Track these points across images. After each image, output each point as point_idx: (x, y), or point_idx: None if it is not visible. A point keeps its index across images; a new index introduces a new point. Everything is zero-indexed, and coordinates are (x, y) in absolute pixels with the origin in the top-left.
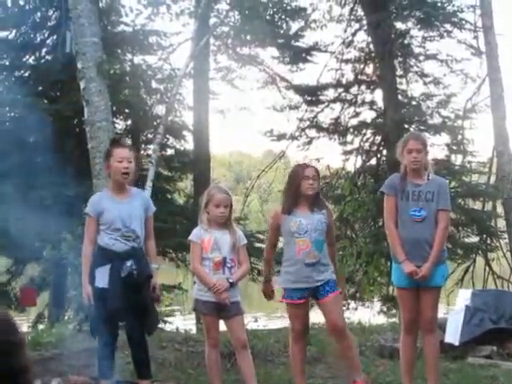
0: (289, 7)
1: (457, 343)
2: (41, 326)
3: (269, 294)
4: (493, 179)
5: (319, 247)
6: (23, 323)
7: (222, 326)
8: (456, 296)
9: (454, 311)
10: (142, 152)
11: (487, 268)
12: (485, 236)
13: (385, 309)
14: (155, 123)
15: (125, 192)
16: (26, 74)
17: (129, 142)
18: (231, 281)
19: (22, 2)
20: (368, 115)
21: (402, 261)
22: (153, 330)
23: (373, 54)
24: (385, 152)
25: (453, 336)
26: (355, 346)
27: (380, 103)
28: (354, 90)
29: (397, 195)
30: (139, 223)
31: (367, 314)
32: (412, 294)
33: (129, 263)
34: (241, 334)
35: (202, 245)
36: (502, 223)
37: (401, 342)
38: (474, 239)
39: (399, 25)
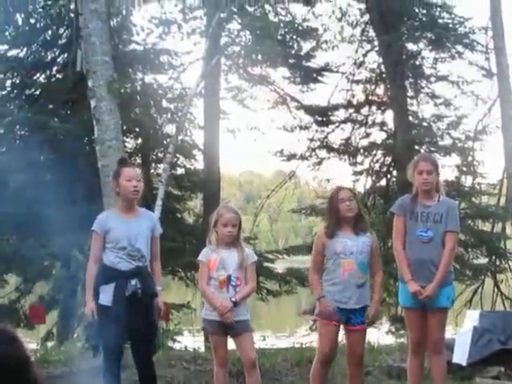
0: (300, 27)
1: (464, 364)
2: (50, 344)
3: (330, 309)
4: (502, 201)
5: (364, 269)
6: (32, 341)
7: (232, 344)
8: (464, 317)
9: (461, 332)
10: (152, 171)
11: (496, 289)
12: (494, 257)
13: (393, 329)
14: (165, 142)
15: (132, 211)
16: (37, 92)
17: (139, 160)
18: (234, 300)
19: (33, 21)
20: (378, 136)
21: (408, 281)
22: (157, 349)
23: (384, 75)
24: (395, 173)
25: (460, 356)
26: (364, 378)
27: (390, 124)
28: (364, 110)
29: (406, 215)
30: (145, 243)
31: (376, 334)
32: (418, 315)
33: (133, 282)
34: (250, 352)
35: (208, 264)
36: (511, 245)
37: (408, 362)
38: (483, 260)
39: (410, 46)
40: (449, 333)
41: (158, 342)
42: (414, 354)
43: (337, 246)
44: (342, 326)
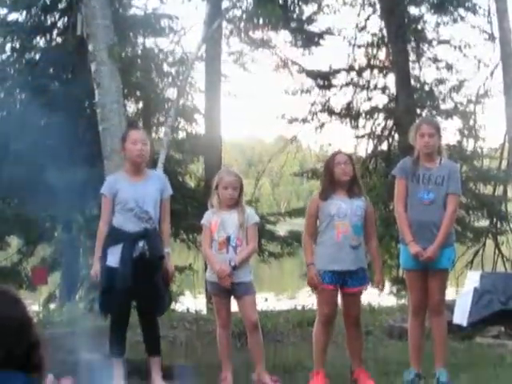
0: None
1: (465, 324)
2: (52, 306)
3: (316, 280)
4: (504, 164)
5: (358, 232)
6: (35, 303)
7: (235, 306)
8: (465, 278)
9: (462, 293)
10: (154, 135)
11: (497, 251)
12: (495, 220)
13: (394, 291)
14: (166, 106)
15: (141, 174)
16: (37, 57)
17: (140, 124)
18: (233, 264)
19: None
20: (380, 100)
21: (409, 242)
22: (163, 310)
23: (386, 39)
24: (396, 137)
25: (461, 317)
26: (363, 337)
27: (392, 88)
28: (366, 74)
29: (408, 178)
30: (153, 205)
31: (377, 295)
32: (419, 276)
33: (141, 244)
34: (251, 313)
35: (210, 227)
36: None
37: (409, 323)
38: (484, 223)
39: (413, 10)
40: (450, 294)
41: (165, 303)
42: (415, 315)
43: (331, 208)
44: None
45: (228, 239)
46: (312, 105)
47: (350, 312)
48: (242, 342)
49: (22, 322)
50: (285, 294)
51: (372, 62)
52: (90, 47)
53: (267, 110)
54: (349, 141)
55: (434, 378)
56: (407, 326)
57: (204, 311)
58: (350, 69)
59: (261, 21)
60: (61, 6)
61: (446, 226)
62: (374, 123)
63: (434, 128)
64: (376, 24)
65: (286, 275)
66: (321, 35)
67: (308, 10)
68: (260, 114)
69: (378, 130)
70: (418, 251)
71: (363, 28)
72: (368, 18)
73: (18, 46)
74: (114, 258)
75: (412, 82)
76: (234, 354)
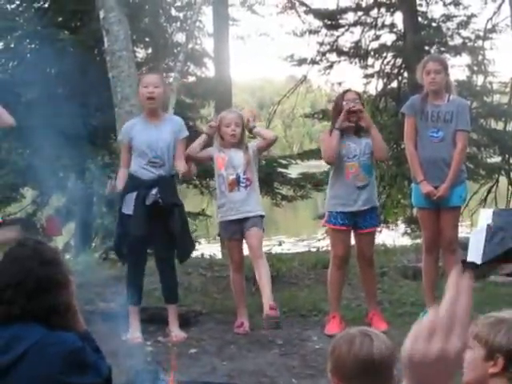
0: None
1: (479, 262)
2: (67, 256)
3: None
4: None
5: (368, 171)
6: None
7: (247, 251)
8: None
9: (475, 230)
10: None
11: (510, 187)
12: (507, 156)
13: (409, 230)
14: (175, 51)
15: (156, 118)
16: (46, 5)
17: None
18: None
19: None
20: (388, 38)
21: (420, 181)
22: (184, 257)
23: None
24: (406, 74)
25: (475, 255)
26: (377, 278)
27: (400, 26)
28: (373, 13)
29: (416, 116)
30: (167, 148)
31: (392, 236)
32: (432, 214)
33: (154, 191)
34: (256, 243)
35: (217, 161)
36: None
37: (423, 261)
38: (497, 159)
39: None
40: (464, 231)
41: (186, 249)
42: (429, 252)
43: (341, 147)
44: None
45: (238, 179)
46: (320, 45)
47: (364, 253)
48: (256, 287)
49: (39, 282)
50: (301, 238)
51: (379, 0)
52: None
53: (277, 52)
54: (358, 80)
55: None
56: (421, 266)
57: (219, 256)
58: (358, 7)
59: None
60: None
61: (456, 163)
62: (382, 62)
63: (441, 65)
64: None
65: (301, 219)
66: None
67: None
68: (270, 56)
69: (387, 69)
70: (429, 191)
71: None
72: None
73: None
74: (128, 205)
75: (419, 19)
76: (248, 299)
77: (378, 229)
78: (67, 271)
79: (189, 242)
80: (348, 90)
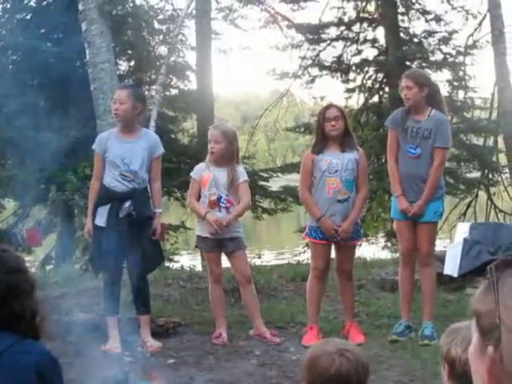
0: None
1: (455, 275)
2: (48, 267)
3: (332, 231)
4: (494, 114)
5: (349, 187)
6: (31, 265)
7: (226, 262)
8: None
9: (452, 244)
10: (146, 93)
11: (489, 202)
12: (486, 171)
13: (389, 244)
14: (158, 64)
15: (132, 132)
16: (28, 17)
17: (131, 82)
18: (227, 218)
19: None
20: (370, 53)
21: (397, 196)
22: (151, 269)
23: None
24: (387, 89)
25: (451, 268)
26: (355, 291)
27: (382, 41)
28: (356, 27)
29: (398, 129)
30: (140, 163)
31: (372, 249)
32: (408, 226)
33: (127, 204)
34: (244, 268)
35: (201, 181)
36: (503, 158)
37: (399, 273)
38: (476, 174)
39: None
40: (442, 245)
41: (153, 262)
42: (405, 264)
43: (322, 163)
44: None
45: (219, 199)
46: (302, 59)
47: (343, 266)
48: (235, 298)
49: (8, 290)
50: (283, 251)
51: (361, 15)
52: (81, 6)
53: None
54: (340, 94)
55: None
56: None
57: (199, 268)
58: (340, 22)
59: None
60: None
61: (432, 180)
62: (364, 76)
63: (412, 81)
64: None
65: (284, 232)
66: None
67: None
68: (254, 70)
69: (369, 83)
70: (404, 208)
71: None
72: None
73: (8, 6)
74: (101, 217)
75: (401, 34)
76: (227, 310)
77: (359, 242)
78: (31, 279)
79: (156, 255)
80: (329, 106)
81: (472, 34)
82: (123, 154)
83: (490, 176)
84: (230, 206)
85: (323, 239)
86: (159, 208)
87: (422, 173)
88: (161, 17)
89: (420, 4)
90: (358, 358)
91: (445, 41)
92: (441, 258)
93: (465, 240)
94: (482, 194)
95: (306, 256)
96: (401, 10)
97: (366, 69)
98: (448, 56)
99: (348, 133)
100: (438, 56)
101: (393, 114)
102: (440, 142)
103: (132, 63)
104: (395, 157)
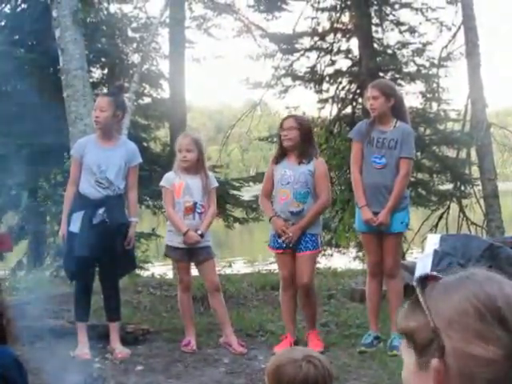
0: None
1: None
2: (20, 274)
3: (283, 226)
4: (467, 127)
5: (300, 199)
6: (2, 271)
7: (195, 270)
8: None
9: (422, 255)
10: None
11: (461, 214)
12: (458, 183)
13: (360, 255)
14: (131, 72)
15: (111, 140)
16: (2, 23)
17: (105, 90)
18: (200, 233)
19: None
20: (344, 64)
21: (361, 207)
22: (121, 275)
23: (349, 3)
24: (360, 100)
25: None
26: (316, 304)
27: (356, 52)
28: (329, 38)
29: (363, 141)
30: (115, 172)
31: (343, 260)
32: (375, 238)
33: (101, 211)
34: (213, 277)
35: (173, 189)
36: (475, 170)
37: (366, 284)
38: (448, 186)
39: None
40: (414, 257)
41: (123, 268)
42: (372, 276)
43: (277, 173)
44: None
45: (195, 205)
46: (276, 69)
47: (300, 280)
48: (204, 306)
49: None
50: (255, 260)
51: (335, 26)
52: (54, 13)
53: (234, 75)
54: (313, 105)
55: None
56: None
57: (170, 275)
58: (314, 33)
59: None
60: None
61: (397, 190)
62: (337, 87)
63: (378, 90)
64: None
65: (256, 241)
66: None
67: None
68: (228, 80)
69: (342, 94)
70: (368, 218)
71: None
72: None
73: None
74: (75, 223)
75: (375, 45)
76: (196, 318)
77: (330, 252)
78: None
79: (129, 262)
80: (287, 117)
81: (446, 46)
82: (100, 161)
83: (463, 188)
84: (205, 211)
85: (280, 248)
86: (135, 217)
87: (387, 183)
88: (134, 25)
89: (394, 15)
90: (324, 365)
91: (419, 52)
92: (411, 270)
93: (435, 251)
94: (454, 206)
95: (276, 266)
96: (375, 21)
97: (340, 79)
98: (421, 68)
99: (304, 144)
100: (412, 67)
101: (357, 126)
102: (406, 152)
103: (105, 71)
104: (359, 168)
